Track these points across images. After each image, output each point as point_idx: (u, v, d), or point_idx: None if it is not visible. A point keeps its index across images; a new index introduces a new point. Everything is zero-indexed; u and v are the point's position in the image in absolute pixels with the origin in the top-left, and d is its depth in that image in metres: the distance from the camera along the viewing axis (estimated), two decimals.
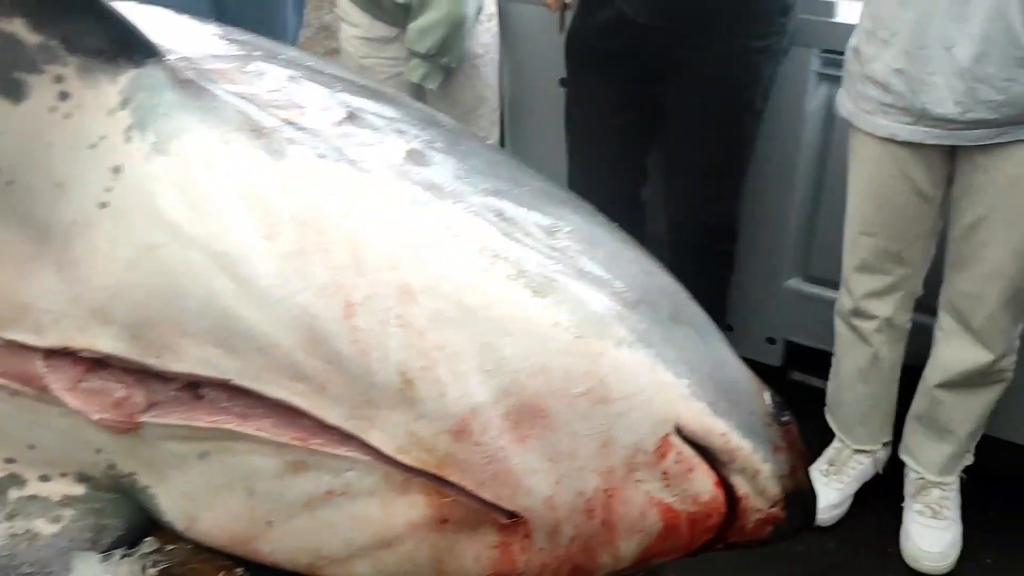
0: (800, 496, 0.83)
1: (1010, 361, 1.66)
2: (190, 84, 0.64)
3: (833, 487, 1.91)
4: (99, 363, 0.67)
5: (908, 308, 1.73)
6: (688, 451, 0.73)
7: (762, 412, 0.80)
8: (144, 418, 0.66)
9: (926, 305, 1.72)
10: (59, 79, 0.63)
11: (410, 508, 0.68)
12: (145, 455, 0.69)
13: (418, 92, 2.03)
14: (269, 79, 0.71)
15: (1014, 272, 1.51)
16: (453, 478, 0.66)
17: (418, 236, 0.65)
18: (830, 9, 1.75)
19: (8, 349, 0.68)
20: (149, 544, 0.74)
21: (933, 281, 1.70)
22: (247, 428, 0.65)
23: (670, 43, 1.62)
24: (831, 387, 1.92)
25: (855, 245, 1.65)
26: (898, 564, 1.82)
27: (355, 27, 1.97)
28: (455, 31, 1.86)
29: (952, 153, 1.47)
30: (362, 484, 0.67)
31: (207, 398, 0.66)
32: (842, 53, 1.57)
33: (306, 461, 0.66)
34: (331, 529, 0.69)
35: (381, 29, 1.94)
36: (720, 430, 0.74)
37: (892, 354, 1.78)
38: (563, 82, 1.96)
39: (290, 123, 0.66)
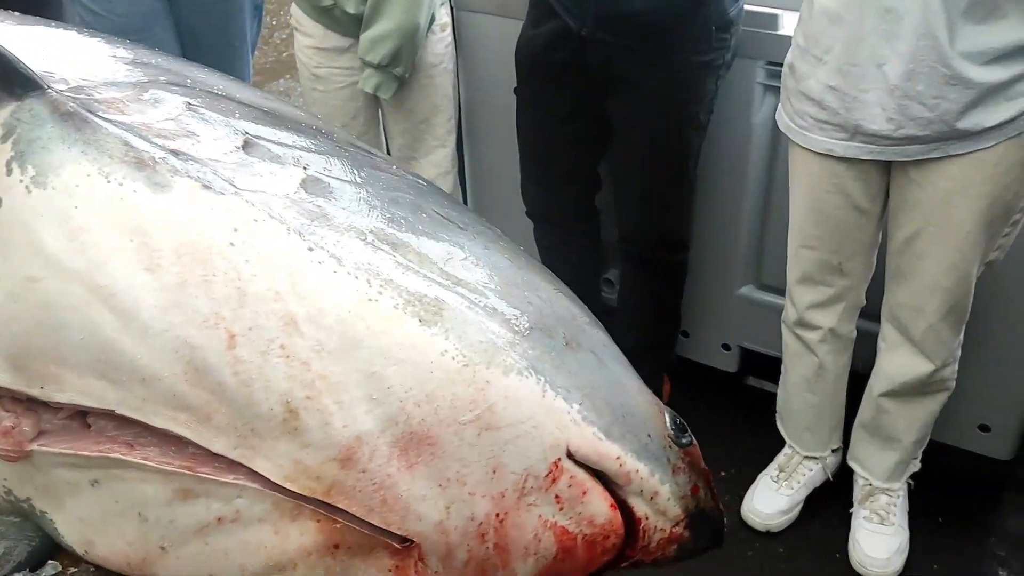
0: (704, 515, 0.85)
1: (951, 371, 1.68)
2: (72, 116, 0.65)
3: (783, 493, 1.93)
4: None
5: (851, 319, 1.75)
6: (581, 475, 0.74)
7: (660, 435, 0.81)
8: (33, 446, 0.67)
9: (876, 314, 1.74)
10: None
11: (302, 534, 0.69)
12: (40, 482, 0.70)
13: (372, 101, 2.04)
14: (165, 107, 0.72)
15: (951, 285, 1.53)
16: (342, 505, 0.68)
17: (303, 266, 0.66)
18: (774, 22, 1.76)
19: None
20: (51, 567, 0.75)
21: (880, 291, 1.72)
22: (134, 457, 0.66)
23: (613, 57, 1.64)
24: (780, 395, 1.94)
25: (797, 258, 1.67)
26: (845, 569, 1.85)
27: (308, 37, 1.97)
28: (407, 41, 1.87)
29: (888, 168, 1.49)
30: (252, 511, 0.68)
31: (95, 427, 0.67)
32: None
33: (195, 489, 0.67)
34: (224, 555, 0.70)
35: (334, 39, 1.94)
36: (614, 454, 0.75)
37: (837, 364, 1.80)
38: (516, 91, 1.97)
39: (177, 153, 0.67)
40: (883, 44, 1.34)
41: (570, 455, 0.73)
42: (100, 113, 0.67)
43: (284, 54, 4.13)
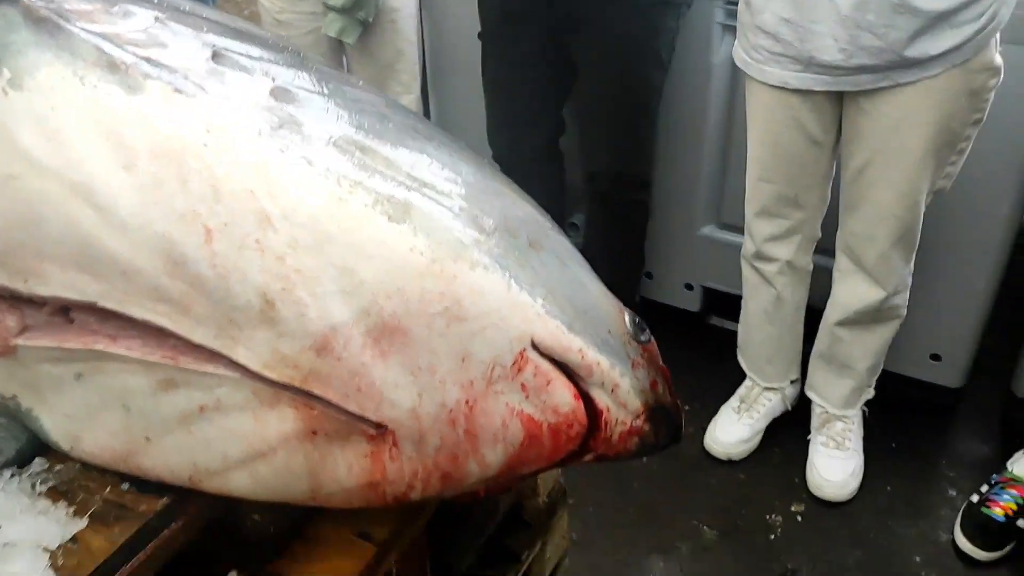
0: (663, 410, 0.89)
1: (903, 298, 1.76)
2: (45, 22, 0.66)
3: (744, 423, 2.01)
4: None
5: (808, 251, 1.81)
6: (545, 365, 0.78)
7: (621, 331, 0.86)
8: (17, 341, 0.69)
9: (830, 249, 1.80)
10: None
11: (281, 421, 0.72)
12: (24, 378, 0.73)
13: (337, 46, 2.05)
14: (134, 20, 0.74)
15: (901, 212, 1.59)
16: (318, 392, 0.71)
17: (276, 167, 0.69)
18: None
19: None
20: (38, 464, 0.78)
21: (834, 225, 1.78)
22: (117, 348, 0.69)
23: None
24: (741, 328, 2.00)
25: (755, 191, 1.72)
26: (803, 494, 1.93)
27: None
28: None
29: (840, 99, 1.54)
30: (233, 399, 0.71)
31: (77, 322, 0.69)
32: None
33: (176, 379, 0.70)
34: (206, 443, 0.73)
35: None
36: (576, 346, 0.79)
37: (795, 296, 1.87)
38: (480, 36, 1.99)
39: (149, 60, 0.69)
40: None
41: (535, 346, 0.77)
42: (73, 21, 0.69)
43: (247, 11, 4.07)
